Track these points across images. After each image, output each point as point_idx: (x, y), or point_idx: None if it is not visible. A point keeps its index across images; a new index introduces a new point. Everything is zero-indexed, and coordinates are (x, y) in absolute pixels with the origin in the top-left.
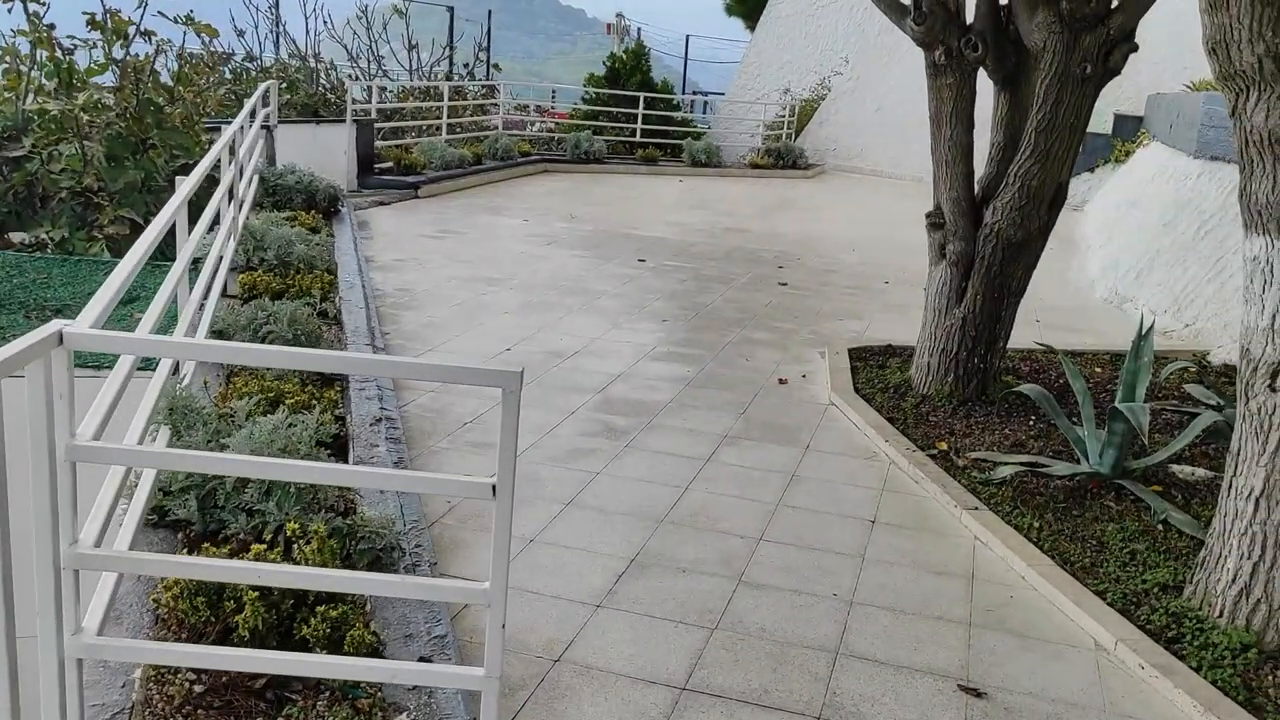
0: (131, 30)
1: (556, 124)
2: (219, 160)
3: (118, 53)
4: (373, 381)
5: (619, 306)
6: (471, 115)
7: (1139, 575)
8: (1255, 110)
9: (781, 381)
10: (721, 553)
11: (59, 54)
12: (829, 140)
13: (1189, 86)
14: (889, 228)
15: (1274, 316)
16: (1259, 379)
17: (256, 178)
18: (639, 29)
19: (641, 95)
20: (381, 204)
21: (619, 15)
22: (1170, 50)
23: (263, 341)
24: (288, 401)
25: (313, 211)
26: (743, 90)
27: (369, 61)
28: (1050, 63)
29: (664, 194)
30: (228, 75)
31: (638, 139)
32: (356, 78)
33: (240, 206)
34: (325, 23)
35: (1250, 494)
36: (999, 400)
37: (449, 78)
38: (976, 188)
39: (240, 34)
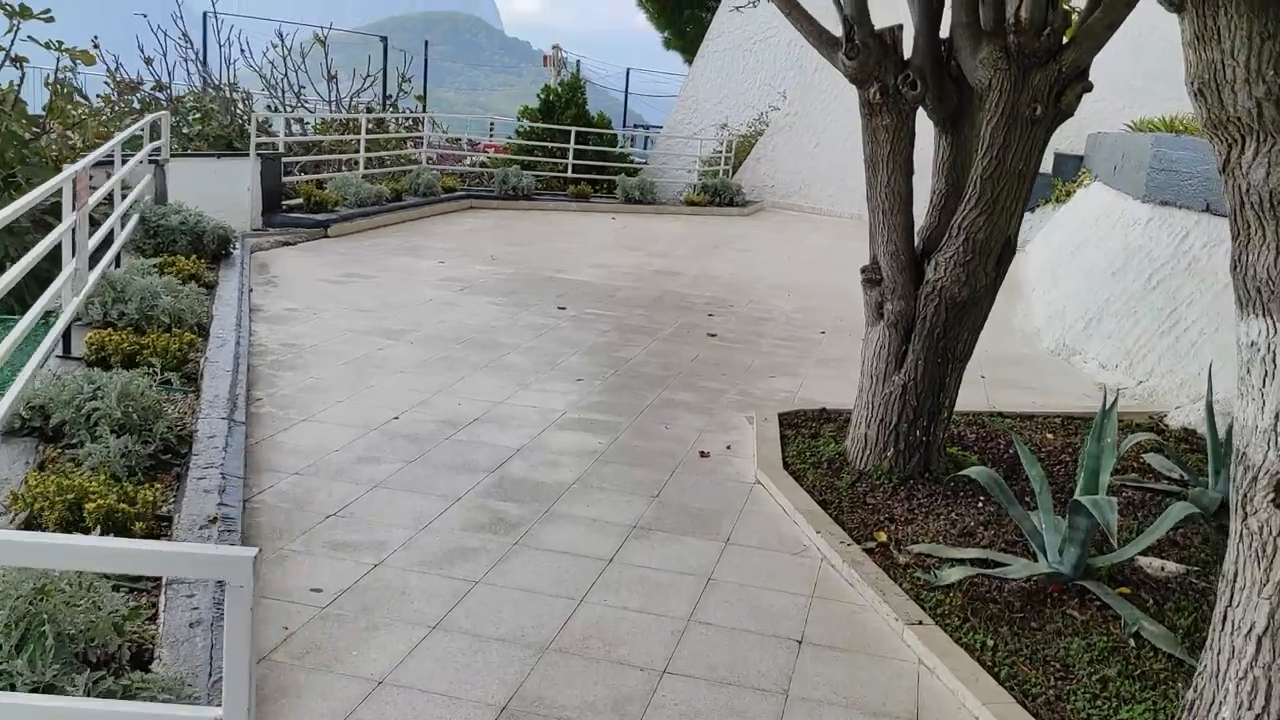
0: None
1: (489, 158)
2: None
3: None
4: (216, 467)
5: (530, 363)
6: (394, 149)
7: (1114, 713)
8: (1253, 165)
9: (703, 455)
10: (616, 693)
11: None
12: (767, 177)
13: (1129, 126)
14: (826, 270)
15: (1277, 416)
16: (1259, 491)
17: (135, 218)
18: (578, 61)
19: (573, 130)
20: (286, 244)
21: (556, 47)
22: (1109, 86)
23: (89, 421)
24: (89, 506)
25: (195, 257)
26: (680, 125)
27: (283, 92)
28: (996, 103)
29: (594, 233)
30: (136, 105)
31: (569, 174)
32: (275, 109)
33: (111, 252)
34: (242, 50)
35: (1250, 630)
36: (944, 479)
37: (370, 110)
38: (917, 240)
39: (148, 61)
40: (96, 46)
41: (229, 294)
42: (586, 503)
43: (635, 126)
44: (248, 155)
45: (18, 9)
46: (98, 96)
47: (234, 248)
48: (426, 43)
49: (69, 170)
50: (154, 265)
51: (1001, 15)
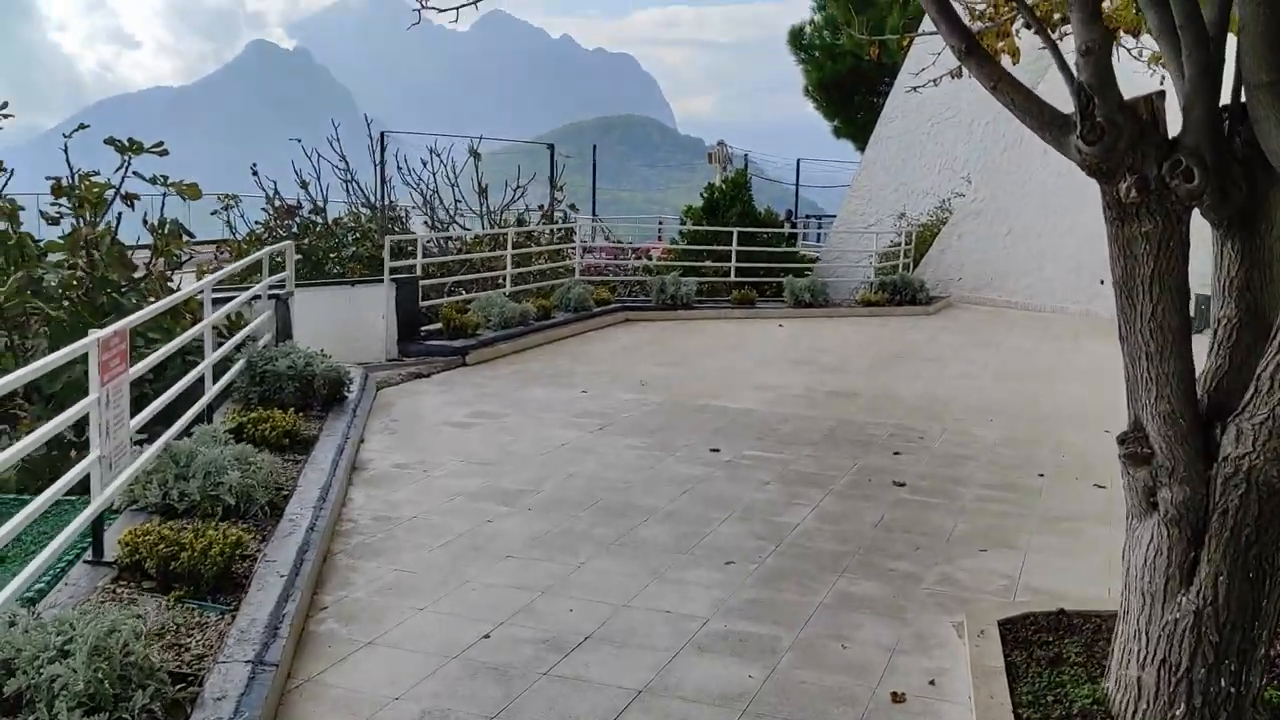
0: (110, 194)
1: (651, 265)
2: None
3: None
4: None
5: (669, 537)
6: (545, 262)
7: None
8: None
9: (897, 699)
10: None
11: (11, 226)
12: (952, 269)
13: None
14: (1034, 383)
15: None
16: None
17: (241, 364)
18: (745, 155)
19: (735, 231)
20: (419, 376)
21: (720, 143)
22: None
23: (49, 692)
24: None
25: (293, 411)
26: (853, 217)
27: (432, 209)
28: None
29: (759, 344)
30: (294, 229)
31: (732, 278)
32: (431, 225)
33: (194, 410)
34: (399, 168)
35: None
36: None
37: (521, 222)
38: (1199, 393)
39: (304, 185)
40: (255, 174)
41: (325, 455)
42: None
43: (808, 217)
44: (380, 281)
45: (128, 144)
46: (256, 223)
47: (348, 391)
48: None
49: (94, 335)
50: (237, 424)
51: None
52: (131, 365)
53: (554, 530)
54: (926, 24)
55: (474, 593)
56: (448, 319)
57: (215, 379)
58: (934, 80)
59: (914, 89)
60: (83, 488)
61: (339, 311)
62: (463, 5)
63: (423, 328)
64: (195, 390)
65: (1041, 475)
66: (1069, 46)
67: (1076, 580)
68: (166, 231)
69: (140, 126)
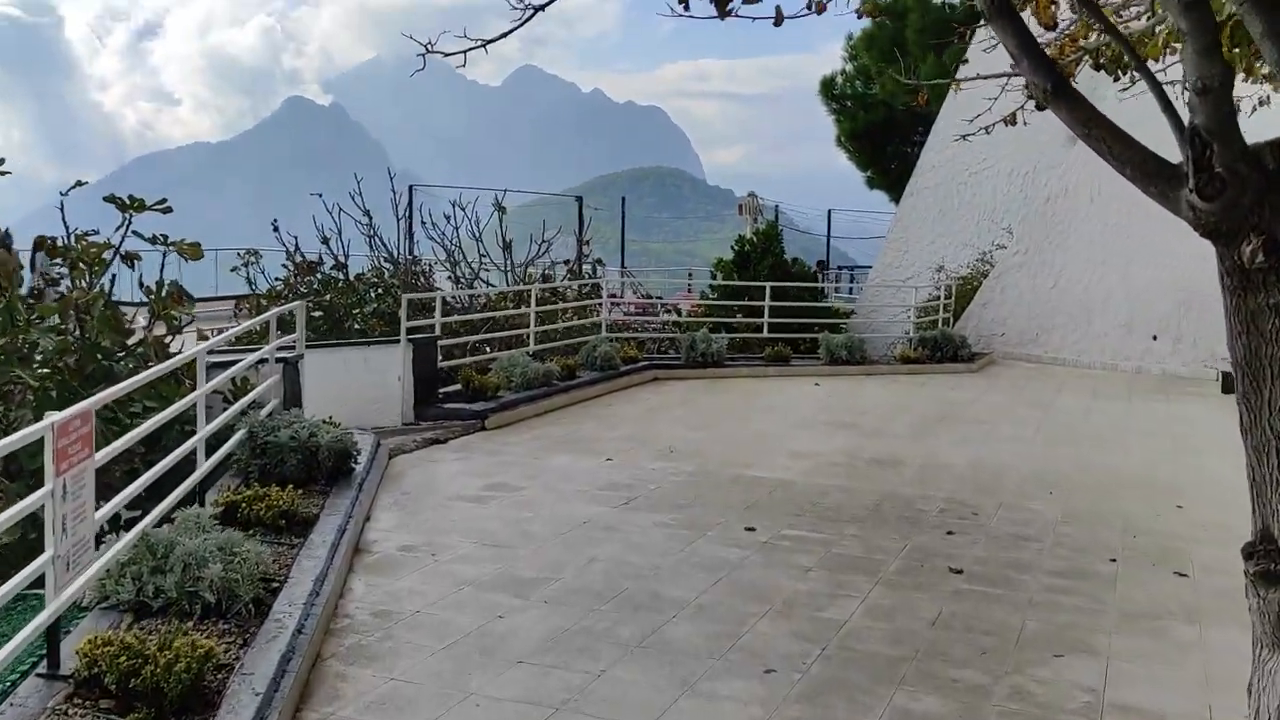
0: (109, 255)
1: (680, 319)
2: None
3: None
4: None
5: (700, 637)
6: (571, 319)
7: None
8: None
9: None
10: None
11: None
12: (995, 324)
13: None
14: (1090, 447)
15: None
16: None
17: (242, 433)
18: (775, 206)
19: (768, 285)
20: (436, 442)
21: (751, 194)
22: None
23: None
24: None
25: (291, 488)
26: (889, 269)
27: (455, 264)
28: None
29: (794, 404)
30: (316, 285)
31: (765, 333)
32: (456, 281)
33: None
34: (423, 222)
35: None
36: None
37: (546, 277)
38: None
39: (325, 241)
40: (276, 230)
41: (324, 538)
42: None
43: (840, 268)
44: (396, 342)
45: (129, 202)
46: (276, 280)
47: (355, 462)
48: (624, 199)
49: (49, 419)
50: (229, 503)
51: None
52: (121, 436)
53: (572, 628)
54: (965, 70)
55: (478, 709)
56: (467, 380)
57: (217, 448)
58: (985, 128)
59: (962, 137)
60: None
61: (353, 373)
62: (471, 49)
63: (441, 389)
64: (191, 464)
65: (1113, 560)
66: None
67: (1170, 696)
68: (165, 293)
69: (177, 181)
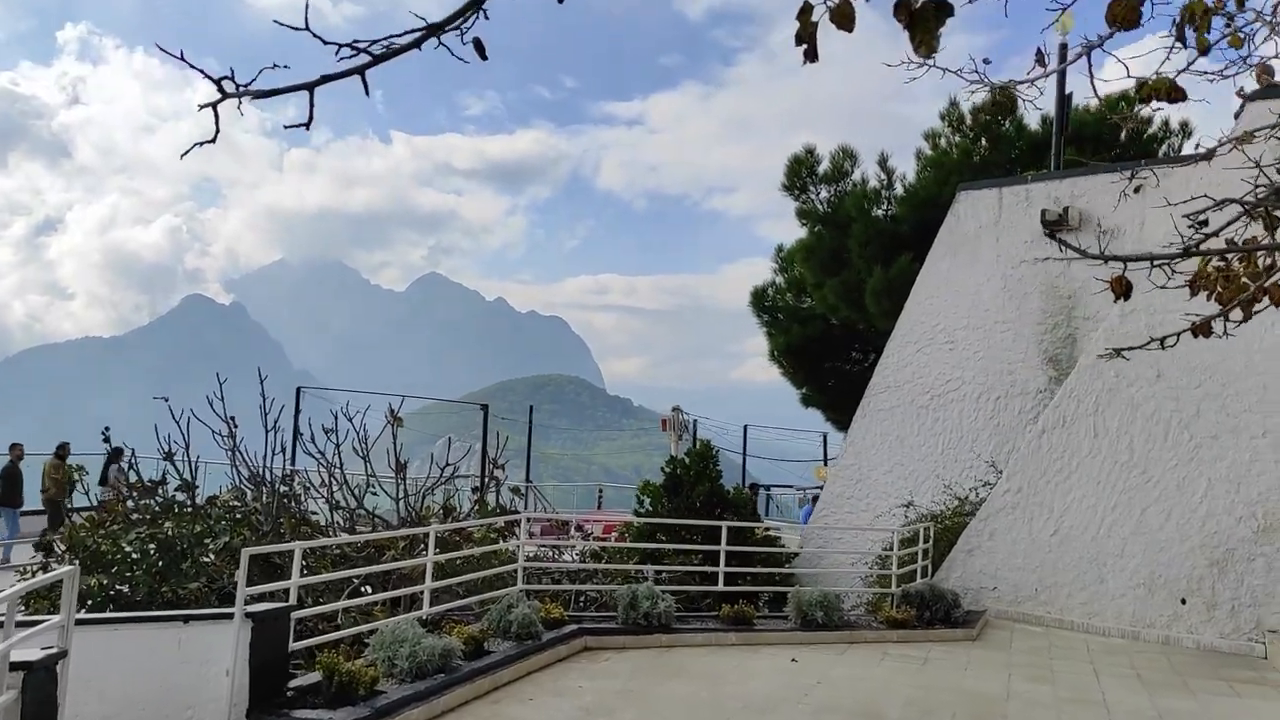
0: None
1: (602, 547)
2: None
3: None
4: None
5: None
6: (479, 566)
7: None
8: None
9: None
10: None
11: None
12: (984, 575)
13: None
14: None
15: None
16: None
17: None
18: (694, 421)
19: (724, 525)
20: None
21: (675, 409)
22: None
23: None
24: None
25: None
26: (841, 501)
27: (332, 490)
28: None
29: (771, 696)
30: (155, 509)
31: (720, 586)
32: (337, 505)
33: None
34: (298, 433)
35: None
36: None
37: (448, 510)
38: None
39: (168, 457)
40: (106, 440)
41: None
42: None
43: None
44: (228, 617)
45: None
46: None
47: None
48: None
49: None
50: None
51: None
52: None
53: None
54: (914, 289)
55: None
56: (330, 669)
57: None
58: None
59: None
60: None
61: (157, 666)
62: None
63: (291, 684)
64: None
65: None
66: None
67: None
68: None
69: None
